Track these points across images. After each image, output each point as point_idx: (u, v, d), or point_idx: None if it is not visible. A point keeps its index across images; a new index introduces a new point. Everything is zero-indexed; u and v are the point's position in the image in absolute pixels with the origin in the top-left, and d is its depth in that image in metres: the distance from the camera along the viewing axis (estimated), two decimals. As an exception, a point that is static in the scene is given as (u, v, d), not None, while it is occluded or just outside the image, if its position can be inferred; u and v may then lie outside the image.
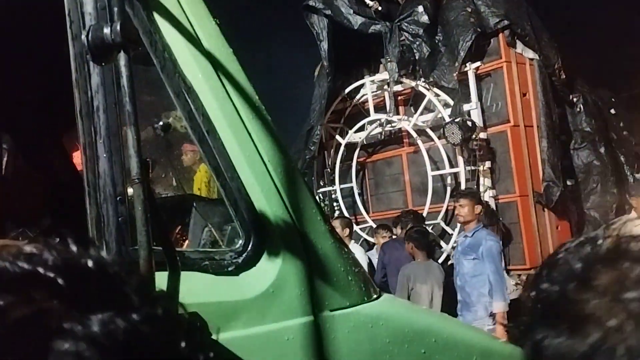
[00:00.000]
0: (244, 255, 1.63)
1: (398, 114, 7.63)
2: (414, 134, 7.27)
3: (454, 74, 6.86)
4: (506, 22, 6.83)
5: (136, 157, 1.35)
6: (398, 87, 7.50)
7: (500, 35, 6.94)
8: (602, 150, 7.33)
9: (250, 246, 1.63)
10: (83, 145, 1.57)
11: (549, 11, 7.89)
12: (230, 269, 1.61)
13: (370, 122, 7.68)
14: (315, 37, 7.86)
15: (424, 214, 6.92)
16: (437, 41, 7.19)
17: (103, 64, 1.45)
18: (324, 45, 7.77)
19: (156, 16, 1.62)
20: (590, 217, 7.30)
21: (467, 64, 6.88)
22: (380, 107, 7.60)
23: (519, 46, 7.07)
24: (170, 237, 1.56)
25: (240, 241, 1.64)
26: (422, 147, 7.22)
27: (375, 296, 1.80)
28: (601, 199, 7.27)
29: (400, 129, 7.58)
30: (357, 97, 7.99)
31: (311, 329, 1.64)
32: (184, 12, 1.66)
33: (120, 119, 1.55)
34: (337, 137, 8.12)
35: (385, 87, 7.49)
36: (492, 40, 7.01)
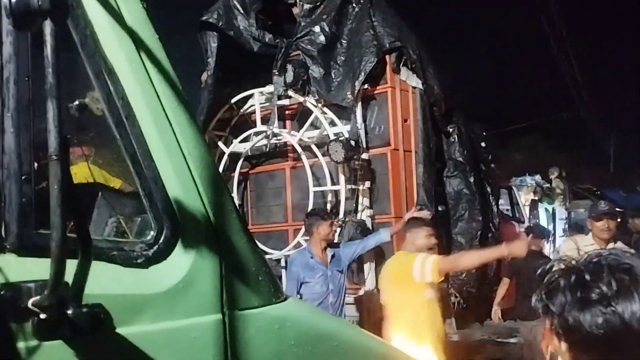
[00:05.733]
0: (155, 247, 1.56)
1: (285, 128, 7.68)
2: (299, 149, 7.34)
3: (348, 93, 7.01)
4: (398, 43, 7.10)
5: (56, 133, 1.26)
6: (286, 102, 7.56)
7: (388, 60, 7.22)
8: (471, 179, 7.79)
9: (162, 239, 1.56)
10: (-14, 118, 1.44)
11: (430, 45, 8.27)
12: (139, 261, 1.53)
13: (256, 134, 7.65)
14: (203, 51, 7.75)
15: (302, 230, 6.97)
16: (335, 61, 7.31)
17: (25, 30, 1.35)
18: (211, 60, 7.68)
19: (80, -11, 1.54)
20: (456, 242, 7.72)
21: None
22: (267, 120, 7.59)
23: (403, 74, 7.38)
24: (86, 222, 1.47)
25: (152, 233, 1.57)
26: (306, 162, 7.30)
27: (282, 298, 1.79)
28: (468, 225, 7.71)
29: (285, 143, 7.62)
30: (245, 107, 7.95)
31: (219, 328, 1.60)
32: (109, -11, 1.58)
33: (31, 92, 1.44)
34: (221, 145, 8.02)
35: (273, 99, 7.51)
36: (379, 65, 7.26)
